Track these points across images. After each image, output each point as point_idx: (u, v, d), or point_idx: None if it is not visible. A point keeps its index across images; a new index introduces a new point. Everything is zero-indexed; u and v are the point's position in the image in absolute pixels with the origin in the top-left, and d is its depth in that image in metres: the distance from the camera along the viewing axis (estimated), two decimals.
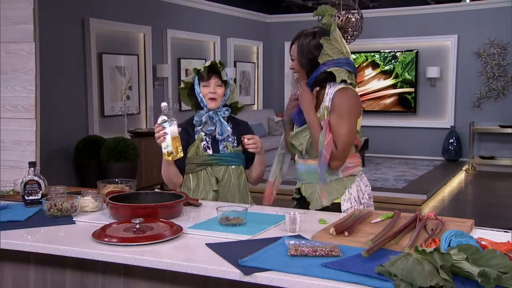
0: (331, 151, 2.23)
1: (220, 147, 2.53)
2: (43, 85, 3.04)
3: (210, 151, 2.52)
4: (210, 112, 2.50)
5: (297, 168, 2.46)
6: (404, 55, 9.03)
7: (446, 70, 8.83)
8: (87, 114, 6.25)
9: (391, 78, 9.15)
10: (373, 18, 8.74)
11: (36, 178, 2.35)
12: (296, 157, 2.47)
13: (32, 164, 2.38)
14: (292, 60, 2.41)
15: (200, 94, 2.50)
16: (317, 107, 2.35)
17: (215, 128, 2.51)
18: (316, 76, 2.32)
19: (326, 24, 2.33)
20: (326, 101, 2.32)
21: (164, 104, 2.34)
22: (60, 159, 5.83)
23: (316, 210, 2.33)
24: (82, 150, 5.84)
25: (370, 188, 2.45)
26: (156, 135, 2.31)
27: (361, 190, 2.37)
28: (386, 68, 9.15)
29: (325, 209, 2.32)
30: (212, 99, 2.48)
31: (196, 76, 2.53)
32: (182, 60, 7.79)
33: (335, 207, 2.32)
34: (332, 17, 2.35)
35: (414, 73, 8.98)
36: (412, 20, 8.95)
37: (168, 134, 2.29)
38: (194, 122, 2.54)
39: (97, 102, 6.34)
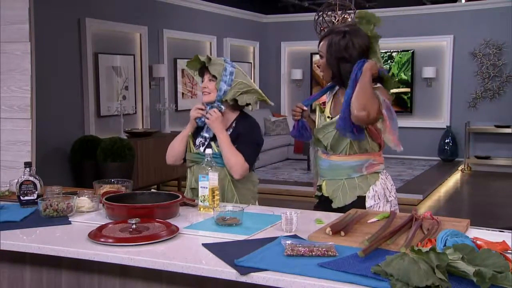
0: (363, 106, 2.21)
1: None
2: (38, 85, 3.03)
3: (201, 149, 2.53)
4: (208, 107, 2.54)
5: (319, 164, 2.44)
6: (400, 55, 9.05)
7: (442, 70, 8.85)
8: (83, 114, 6.23)
9: None
10: None
11: (31, 178, 2.34)
12: (319, 153, 2.44)
13: (27, 164, 2.38)
14: (321, 57, 2.40)
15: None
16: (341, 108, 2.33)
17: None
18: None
19: (370, 33, 2.34)
20: None
21: (208, 151, 2.32)
22: (56, 159, 5.81)
23: (339, 207, 2.32)
24: (78, 150, 5.83)
25: (395, 187, 2.44)
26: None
27: (387, 188, 2.37)
28: None
29: (347, 206, 2.30)
30: (204, 93, 2.53)
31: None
32: (178, 60, 7.77)
33: (361, 202, 2.31)
34: (374, 26, 2.34)
35: (410, 73, 9.00)
36: (408, 21, 8.97)
37: (206, 188, 2.24)
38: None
39: (93, 102, 6.33)
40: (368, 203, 2.31)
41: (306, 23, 8.64)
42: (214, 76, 2.50)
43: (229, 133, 2.52)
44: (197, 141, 2.58)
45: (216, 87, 2.49)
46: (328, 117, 2.41)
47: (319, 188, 2.45)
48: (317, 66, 2.62)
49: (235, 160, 2.43)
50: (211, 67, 2.49)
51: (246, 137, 2.51)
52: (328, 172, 2.39)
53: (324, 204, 2.40)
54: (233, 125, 2.55)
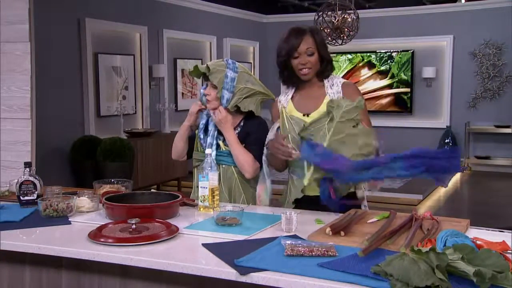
0: None
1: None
2: (38, 85, 3.03)
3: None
4: (210, 111, 2.52)
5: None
6: (400, 55, 9.05)
7: (442, 70, 8.85)
8: (83, 114, 6.23)
9: (387, 78, 9.16)
10: (369, 18, 8.75)
11: (31, 178, 2.34)
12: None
13: (27, 165, 2.38)
14: (309, 55, 2.33)
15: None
16: (318, 102, 2.33)
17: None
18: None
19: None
20: (333, 94, 2.33)
21: (208, 151, 2.31)
22: (56, 159, 5.81)
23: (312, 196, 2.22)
24: (78, 150, 5.83)
25: None
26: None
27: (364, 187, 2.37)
28: (382, 68, 9.16)
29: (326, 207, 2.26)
30: (208, 100, 2.51)
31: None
32: (178, 60, 7.78)
33: (350, 196, 2.28)
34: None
35: (410, 73, 9.00)
36: (408, 21, 8.97)
37: (206, 188, 2.23)
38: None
39: (93, 102, 6.33)
40: (359, 194, 2.32)
41: (306, 23, 8.59)
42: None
43: (237, 132, 2.52)
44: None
45: (217, 96, 2.47)
46: (304, 114, 2.38)
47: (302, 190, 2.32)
48: (302, 64, 2.42)
49: (244, 159, 2.43)
50: (211, 76, 2.46)
51: (255, 136, 2.51)
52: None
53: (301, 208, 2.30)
54: (241, 124, 2.54)
